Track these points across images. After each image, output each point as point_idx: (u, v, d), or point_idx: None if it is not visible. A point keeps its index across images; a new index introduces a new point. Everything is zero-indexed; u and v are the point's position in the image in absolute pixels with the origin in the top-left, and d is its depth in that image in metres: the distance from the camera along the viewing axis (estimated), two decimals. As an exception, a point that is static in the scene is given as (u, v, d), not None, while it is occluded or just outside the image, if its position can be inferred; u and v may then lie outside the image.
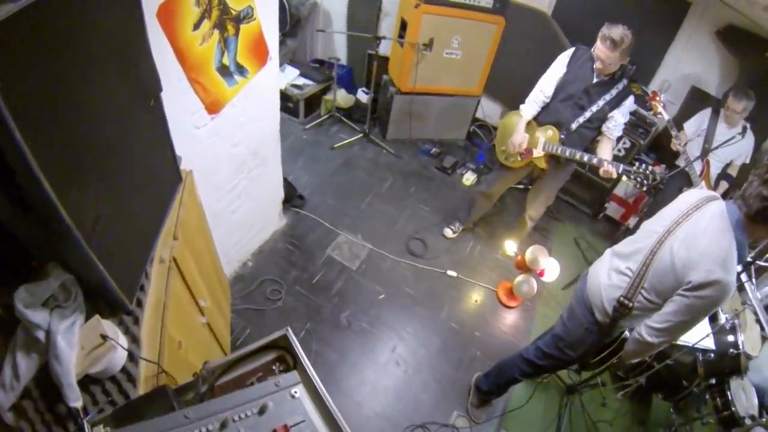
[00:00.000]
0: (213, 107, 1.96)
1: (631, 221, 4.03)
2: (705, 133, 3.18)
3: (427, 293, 3.09)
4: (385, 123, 4.19)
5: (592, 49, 2.41)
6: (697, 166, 3.17)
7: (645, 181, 2.35)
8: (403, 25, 3.58)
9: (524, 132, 2.67)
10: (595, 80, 2.43)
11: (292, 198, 3.31)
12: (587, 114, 2.50)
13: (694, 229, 1.50)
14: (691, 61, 3.53)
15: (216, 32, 1.80)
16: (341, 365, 2.58)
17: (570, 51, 2.51)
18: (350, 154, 4.05)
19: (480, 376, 2.56)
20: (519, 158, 2.78)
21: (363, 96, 4.36)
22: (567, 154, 2.55)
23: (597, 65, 2.36)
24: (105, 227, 1.00)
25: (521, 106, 2.70)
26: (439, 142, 4.48)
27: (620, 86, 2.44)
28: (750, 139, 3.05)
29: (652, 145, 3.85)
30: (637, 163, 2.47)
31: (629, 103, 2.50)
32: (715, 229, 1.45)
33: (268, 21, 2.07)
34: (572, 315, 1.92)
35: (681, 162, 3.30)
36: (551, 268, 2.90)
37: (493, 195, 3.19)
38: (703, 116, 3.23)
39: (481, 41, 3.73)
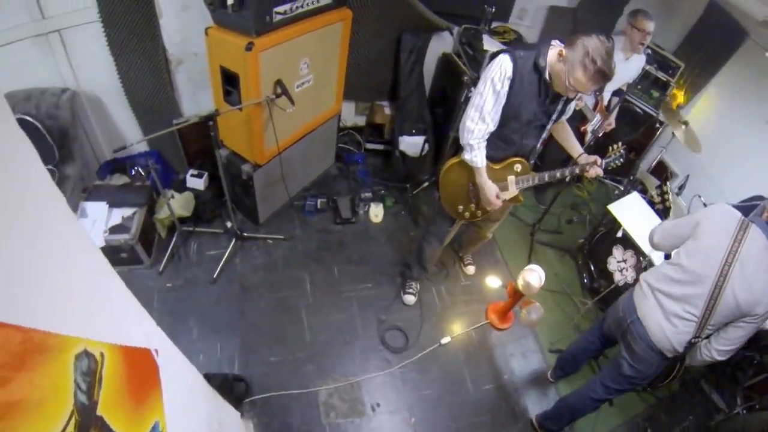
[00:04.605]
0: None
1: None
2: None
3: (443, 378, 2.70)
4: (250, 207, 3.12)
5: (543, 61, 1.86)
6: (589, 101, 3.14)
7: (623, 160, 2.25)
8: (228, 79, 2.41)
9: (491, 182, 2.15)
10: (550, 98, 1.97)
11: (231, 391, 2.24)
12: (548, 127, 2.11)
13: (750, 271, 1.67)
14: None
15: None
16: None
17: (508, 66, 1.85)
18: (238, 274, 2.94)
19: (542, 419, 2.52)
20: (489, 210, 2.31)
21: (196, 182, 3.12)
22: (546, 178, 2.18)
23: (572, 95, 1.90)
24: None
25: (467, 156, 2.07)
26: (314, 185, 3.64)
27: None
28: (643, 58, 3.02)
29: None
30: (612, 147, 2.25)
31: None
32: (766, 267, 1.66)
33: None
34: (640, 359, 1.97)
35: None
36: (541, 277, 2.68)
37: (446, 242, 2.70)
38: None
39: (331, 50, 2.86)
